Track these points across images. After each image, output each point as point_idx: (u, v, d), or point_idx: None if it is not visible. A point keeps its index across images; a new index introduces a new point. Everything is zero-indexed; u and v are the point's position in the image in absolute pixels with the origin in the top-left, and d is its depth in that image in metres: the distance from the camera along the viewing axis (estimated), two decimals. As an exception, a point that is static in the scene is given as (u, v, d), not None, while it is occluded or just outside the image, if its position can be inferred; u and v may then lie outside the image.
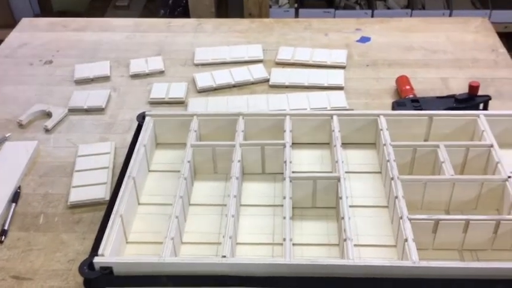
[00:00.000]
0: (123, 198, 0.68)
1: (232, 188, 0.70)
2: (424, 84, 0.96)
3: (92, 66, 1.05)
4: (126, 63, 1.06)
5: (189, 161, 0.74)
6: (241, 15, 1.87)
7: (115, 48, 1.12)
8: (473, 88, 0.83)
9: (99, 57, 1.09)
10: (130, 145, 0.77)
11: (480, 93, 0.87)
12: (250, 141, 0.78)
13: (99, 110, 0.94)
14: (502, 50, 1.05)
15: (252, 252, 0.68)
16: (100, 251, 0.61)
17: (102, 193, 0.76)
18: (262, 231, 0.70)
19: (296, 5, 1.94)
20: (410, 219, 0.64)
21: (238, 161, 0.74)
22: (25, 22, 1.23)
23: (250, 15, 1.86)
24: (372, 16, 1.86)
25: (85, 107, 0.94)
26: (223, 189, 0.76)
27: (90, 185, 0.78)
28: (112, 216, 0.66)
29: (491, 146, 0.73)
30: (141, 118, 0.82)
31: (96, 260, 0.60)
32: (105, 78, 1.03)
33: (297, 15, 1.92)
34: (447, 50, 1.05)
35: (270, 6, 1.91)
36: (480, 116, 0.77)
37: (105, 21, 1.24)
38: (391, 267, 0.58)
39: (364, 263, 0.59)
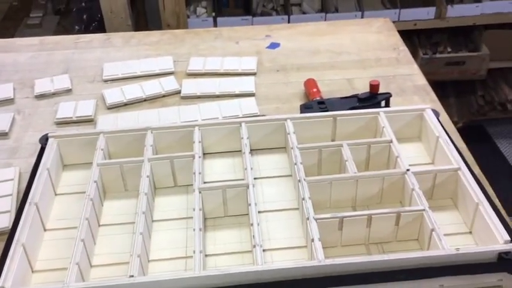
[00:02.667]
0: (24, 226, 0.65)
1: (141, 204, 0.69)
2: (331, 86, 0.99)
3: (-6, 89, 1.00)
4: (31, 84, 1.02)
5: (95, 181, 0.72)
6: (160, 26, 1.86)
7: (19, 69, 1.08)
8: (373, 87, 0.86)
9: (2, 79, 1.04)
10: (32, 170, 0.74)
11: (384, 90, 0.91)
12: (158, 155, 0.77)
13: (2, 135, 0.90)
14: (403, 48, 1.10)
15: (166, 268, 0.67)
16: (0, 283, 0.59)
17: (6, 222, 0.73)
18: (176, 246, 0.70)
19: (214, 14, 1.94)
20: (316, 219, 0.65)
21: (147, 176, 0.73)
22: None
23: (169, 27, 1.84)
24: (289, 21, 1.90)
25: (-14, 133, 0.90)
26: (134, 206, 0.74)
27: (-8, 215, 0.74)
28: (13, 245, 0.63)
29: (391, 141, 0.76)
30: (44, 140, 0.79)
31: (-5, 293, 0.58)
32: (9, 101, 0.98)
33: (215, 24, 1.92)
34: (351, 51, 1.09)
35: (188, 17, 1.91)
36: (380, 113, 0.80)
37: (8, 41, 1.19)
38: (298, 268, 0.59)
39: (271, 267, 0.59)
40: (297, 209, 0.73)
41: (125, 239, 0.70)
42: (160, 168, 0.76)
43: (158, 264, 0.67)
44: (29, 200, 0.69)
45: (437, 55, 1.98)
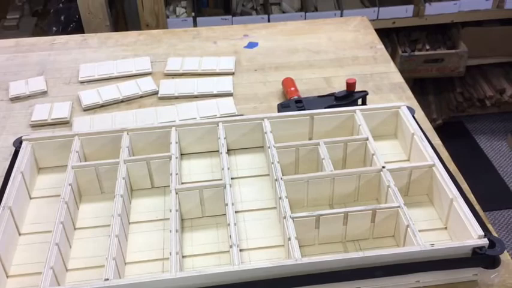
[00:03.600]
0: (-3, 230, 0.65)
1: (116, 207, 0.68)
2: (309, 85, 0.99)
3: (-33, 92, 0.98)
4: (6, 87, 1.01)
5: (70, 184, 0.71)
6: (140, 27, 1.84)
7: (-6, 71, 1.06)
8: (350, 85, 0.87)
9: (-24, 82, 1.03)
10: (6, 174, 0.73)
11: (360, 88, 0.92)
12: (134, 156, 0.76)
13: (-24, 139, 0.89)
14: (380, 46, 1.10)
15: (143, 270, 0.66)
16: (-28, 290, 0.58)
17: (-21, 227, 0.72)
18: (153, 248, 0.69)
19: (193, 14, 1.93)
20: (293, 218, 0.65)
21: (123, 178, 0.73)
22: None
23: (148, 27, 1.83)
24: (269, 21, 1.90)
25: (-41, 137, 0.88)
26: (110, 208, 0.74)
27: (-35, 220, 0.73)
28: (-15, 251, 0.62)
29: (367, 139, 0.76)
30: (18, 143, 0.78)
31: (-33, 300, 0.57)
32: (-17, 105, 0.97)
33: (195, 24, 1.91)
34: (329, 50, 1.09)
35: (168, 17, 1.90)
36: (356, 111, 0.81)
37: (-17, 43, 1.17)
38: (274, 268, 0.59)
39: (247, 267, 0.59)
40: (274, 208, 0.73)
41: (101, 241, 0.69)
42: (136, 170, 0.76)
43: (135, 266, 0.67)
44: (2, 204, 0.68)
45: (416, 53, 2.00)
